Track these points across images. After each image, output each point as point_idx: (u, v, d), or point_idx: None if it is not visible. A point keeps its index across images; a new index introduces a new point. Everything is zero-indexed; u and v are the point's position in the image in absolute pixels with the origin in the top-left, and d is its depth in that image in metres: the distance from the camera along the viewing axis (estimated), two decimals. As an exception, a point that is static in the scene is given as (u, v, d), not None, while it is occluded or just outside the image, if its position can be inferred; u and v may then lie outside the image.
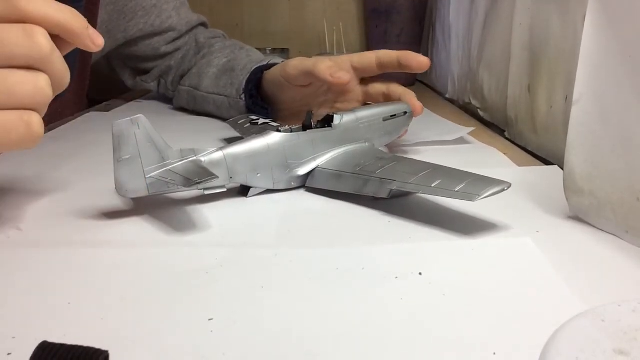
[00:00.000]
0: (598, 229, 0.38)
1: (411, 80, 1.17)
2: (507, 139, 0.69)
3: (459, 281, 0.32)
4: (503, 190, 0.37)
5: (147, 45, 0.84)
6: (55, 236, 0.37)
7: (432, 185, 0.39)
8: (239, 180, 0.44)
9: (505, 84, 0.70)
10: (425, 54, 1.15)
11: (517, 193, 0.45)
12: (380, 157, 0.46)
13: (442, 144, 0.62)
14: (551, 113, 0.57)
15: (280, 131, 0.46)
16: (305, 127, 0.48)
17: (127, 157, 0.37)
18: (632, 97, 0.34)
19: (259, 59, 0.75)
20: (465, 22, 0.90)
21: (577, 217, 0.40)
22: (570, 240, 0.37)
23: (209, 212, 0.42)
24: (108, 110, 0.85)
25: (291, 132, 0.47)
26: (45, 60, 0.34)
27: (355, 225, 0.40)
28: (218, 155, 0.42)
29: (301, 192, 0.47)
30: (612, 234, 0.37)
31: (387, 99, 0.60)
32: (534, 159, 0.59)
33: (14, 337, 0.26)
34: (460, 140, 0.64)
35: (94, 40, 0.36)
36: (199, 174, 0.39)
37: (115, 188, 0.38)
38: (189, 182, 0.38)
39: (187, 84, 0.81)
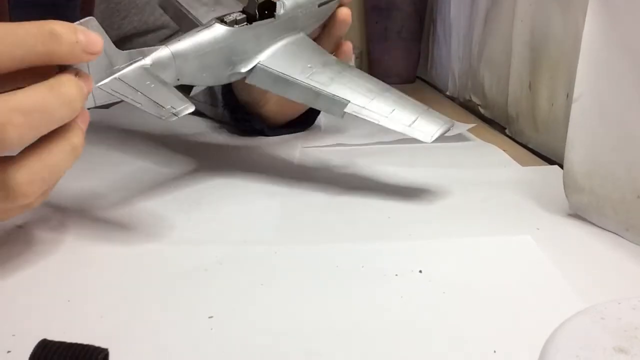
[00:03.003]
0: (598, 226, 0.38)
1: (411, 77, 1.17)
2: (508, 136, 0.69)
3: (459, 279, 0.32)
4: (448, 129, 0.42)
5: (141, 43, 0.83)
6: (55, 234, 0.37)
7: (387, 116, 0.40)
8: (185, 81, 0.41)
9: (506, 81, 0.70)
10: (426, 51, 1.15)
11: (517, 191, 0.45)
12: (324, 61, 0.45)
13: (441, 140, 0.62)
14: (552, 111, 0.57)
15: (225, 22, 0.43)
16: (250, 17, 0.45)
17: None
18: (633, 95, 0.34)
19: None
20: (466, 18, 0.90)
21: (577, 215, 0.40)
22: (570, 238, 0.37)
23: (208, 209, 0.42)
24: (107, 107, 0.85)
25: (236, 23, 0.44)
26: None
27: (355, 222, 0.40)
28: (165, 54, 0.40)
29: (301, 189, 0.46)
30: (612, 232, 0.37)
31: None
32: (534, 156, 0.59)
33: (13, 335, 0.26)
34: (461, 138, 0.64)
35: (88, 48, 0.30)
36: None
37: None
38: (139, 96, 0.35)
39: None
